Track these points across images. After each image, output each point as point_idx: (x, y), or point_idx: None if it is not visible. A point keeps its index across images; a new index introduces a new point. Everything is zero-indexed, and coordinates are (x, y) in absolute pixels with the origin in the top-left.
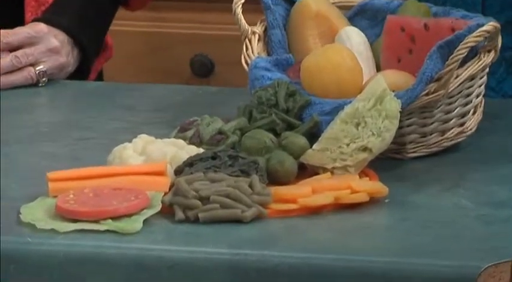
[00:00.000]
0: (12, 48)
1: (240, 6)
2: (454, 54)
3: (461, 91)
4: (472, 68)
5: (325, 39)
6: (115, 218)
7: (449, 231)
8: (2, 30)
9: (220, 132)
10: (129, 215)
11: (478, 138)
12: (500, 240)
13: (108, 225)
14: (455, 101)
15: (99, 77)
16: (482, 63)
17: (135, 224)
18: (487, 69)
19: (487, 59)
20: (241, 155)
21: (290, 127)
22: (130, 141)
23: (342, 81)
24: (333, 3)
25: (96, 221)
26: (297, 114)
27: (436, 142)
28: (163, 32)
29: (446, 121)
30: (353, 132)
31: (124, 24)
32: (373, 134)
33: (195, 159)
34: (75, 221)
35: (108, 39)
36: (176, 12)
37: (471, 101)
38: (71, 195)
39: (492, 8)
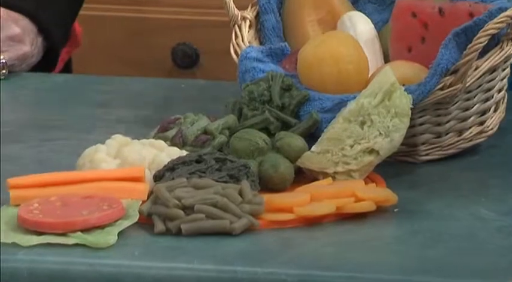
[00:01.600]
0: None
1: None
2: (472, 43)
3: (480, 85)
4: (493, 58)
5: (325, 26)
6: (85, 230)
7: (467, 245)
8: None
9: (205, 132)
10: (102, 227)
11: (500, 139)
12: None
13: (78, 238)
14: (474, 97)
15: (67, 69)
16: (504, 54)
17: (109, 237)
18: (511, 60)
19: (511, 48)
20: (230, 158)
21: (286, 126)
22: (103, 142)
23: (344, 73)
24: None
25: (64, 234)
26: (293, 112)
27: (452, 143)
28: (141, 17)
29: (464, 119)
30: (357, 132)
31: (96, 8)
32: (380, 134)
33: (177, 162)
34: (40, 233)
35: (76, 25)
36: None
37: (492, 97)
38: (36, 205)
39: None
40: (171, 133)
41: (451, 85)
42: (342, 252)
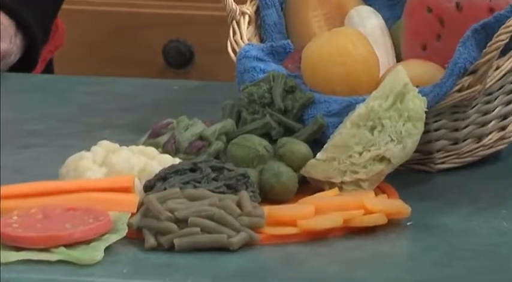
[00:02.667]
0: None
1: None
2: (493, 41)
3: (502, 86)
4: None
5: (332, 22)
6: (69, 246)
7: (487, 263)
8: None
9: (201, 137)
10: (87, 242)
11: None
12: None
13: (61, 254)
14: (495, 99)
15: (48, 69)
16: None
17: (95, 252)
18: None
19: None
20: (228, 167)
21: (288, 131)
22: (88, 149)
23: (353, 74)
24: None
25: (46, 250)
26: (296, 116)
27: (471, 150)
28: (129, 12)
29: (484, 124)
30: (367, 138)
31: (79, 2)
32: (392, 140)
33: (170, 171)
34: (19, 249)
35: (59, 22)
36: None
37: None
38: (15, 217)
39: None
40: (163, 139)
41: (469, 86)
42: (350, 270)
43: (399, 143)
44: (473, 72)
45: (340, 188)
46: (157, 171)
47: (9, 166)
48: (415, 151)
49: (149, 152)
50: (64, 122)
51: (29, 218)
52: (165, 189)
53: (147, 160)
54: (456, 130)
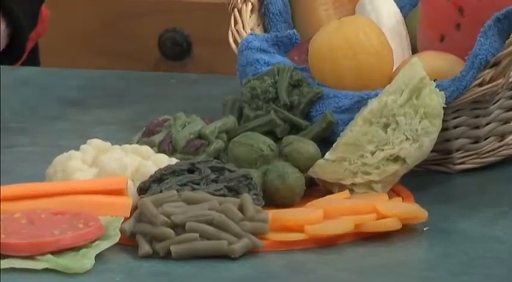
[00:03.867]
0: None
1: None
2: None
3: None
4: None
5: (341, 10)
6: (57, 253)
7: (508, 271)
8: None
9: (199, 136)
10: (77, 249)
11: None
12: None
13: (48, 262)
14: None
15: (33, 60)
16: None
17: (84, 260)
18: None
19: None
20: (229, 167)
21: (295, 129)
22: (77, 148)
23: (364, 67)
24: None
25: (32, 257)
26: (303, 112)
27: (493, 150)
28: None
29: (507, 121)
30: (380, 136)
31: None
32: (407, 138)
33: (166, 172)
34: (2, 256)
35: (43, 8)
36: None
37: None
38: None
39: None
40: (159, 138)
41: (491, 80)
42: (361, 280)
43: (415, 141)
44: (495, 64)
45: (351, 191)
46: (152, 172)
47: None
48: (432, 150)
49: (144, 151)
50: (51, 119)
51: (12, 222)
52: (160, 191)
53: (141, 160)
54: (477, 127)
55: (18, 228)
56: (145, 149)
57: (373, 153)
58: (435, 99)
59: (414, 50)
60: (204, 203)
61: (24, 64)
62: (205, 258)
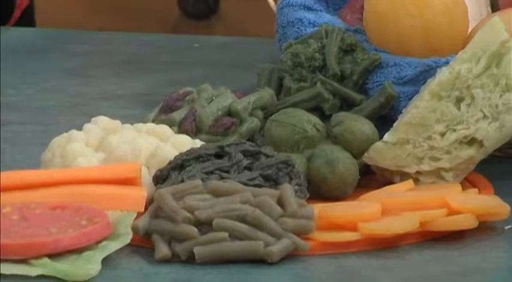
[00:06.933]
0: None
1: None
2: None
3: None
4: None
5: None
6: (55, 256)
7: None
8: None
9: (229, 113)
10: (79, 251)
11: None
12: None
13: (44, 267)
14: None
15: (27, 19)
16: None
17: (88, 265)
18: None
19: None
20: (265, 152)
21: (346, 105)
22: (80, 128)
23: (432, 28)
24: None
25: (24, 261)
26: (357, 83)
27: None
28: None
29: None
30: (451, 114)
31: None
32: (485, 116)
33: (189, 158)
34: None
35: None
36: None
37: None
38: None
39: None
40: (179, 115)
41: None
42: None
43: (494, 120)
44: None
45: (416, 180)
46: (171, 158)
47: None
48: None
49: (161, 131)
50: (48, 91)
51: (2, 219)
52: (182, 181)
53: (158, 142)
54: None
55: (7, 225)
56: (163, 129)
57: (442, 135)
58: None
59: (494, 8)
60: (234, 195)
61: (16, 24)
62: (236, 263)
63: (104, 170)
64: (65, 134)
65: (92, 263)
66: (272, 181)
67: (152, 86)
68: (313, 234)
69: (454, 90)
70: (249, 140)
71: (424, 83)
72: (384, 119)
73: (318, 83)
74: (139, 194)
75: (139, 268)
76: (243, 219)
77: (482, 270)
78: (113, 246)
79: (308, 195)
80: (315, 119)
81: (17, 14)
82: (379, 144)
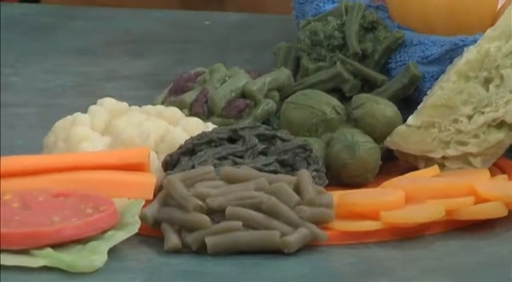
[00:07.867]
0: None
1: None
2: None
3: None
4: None
5: None
6: (58, 246)
7: None
8: None
9: (244, 94)
10: (84, 241)
11: None
12: None
13: (47, 258)
14: None
15: None
16: None
17: (94, 256)
18: None
19: None
20: (282, 135)
21: (368, 86)
22: (84, 110)
23: (458, 3)
24: None
25: (26, 252)
26: (379, 63)
27: None
28: None
29: None
30: (479, 96)
31: None
32: None
33: (200, 142)
34: None
35: None
36: None
37: None
38: None
39: None
40: (190, 96)
41: None
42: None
43: None
44: None
45: (441, 166)
46: (182, 142)
47: None
48: None
49: (171, 114)
50: (50, 71)
51: (2, 207)
52: (193, 167)
53: (168, 126)
54: None
55: (8, 214)
56: (173, 111)
57: (470, 118)
58: None
59: None
60: (249, 181)
61: (21, 0)
62: (250, 254)
63: (110, 155)
64: (69, 117)
65: (97, 253)
66: (289, 167)
67: (161, 66)
68: (332, 223)
69: (482, 71)
70: (264, 123)
71: (450, 62)
72: (408, 101)
73: (338, 63)
74: (148, 181)
75: (147, 259)
76: (257, 208)
77: (511, 261)
78: (119, 235)
79: (327, 182)
80: (334, 101)
81: None
82: (402, 127)
